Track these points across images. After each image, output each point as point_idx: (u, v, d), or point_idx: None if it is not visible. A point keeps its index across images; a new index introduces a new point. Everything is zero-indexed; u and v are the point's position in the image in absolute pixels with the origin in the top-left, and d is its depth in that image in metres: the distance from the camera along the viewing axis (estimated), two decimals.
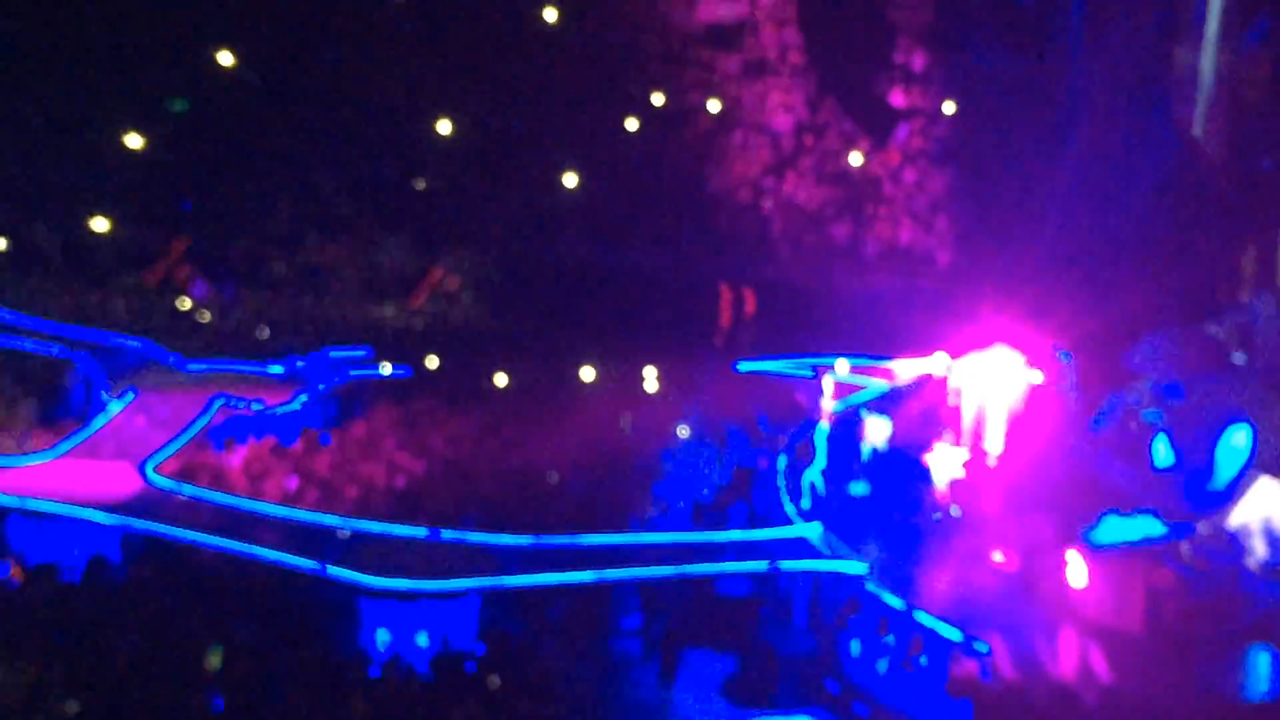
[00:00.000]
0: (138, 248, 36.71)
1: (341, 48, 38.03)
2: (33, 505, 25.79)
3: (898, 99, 39.09)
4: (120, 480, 27.30)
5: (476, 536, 25.51)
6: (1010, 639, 23.05)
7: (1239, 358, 26.61)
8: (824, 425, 29.26)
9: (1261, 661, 22.63)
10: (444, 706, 22.13)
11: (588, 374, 34.44)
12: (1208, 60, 34.04)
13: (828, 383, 30.95)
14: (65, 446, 28.34)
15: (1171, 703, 21.68)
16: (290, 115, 37.63)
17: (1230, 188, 34.00)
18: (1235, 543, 24.19)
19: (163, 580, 24.59)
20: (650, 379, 34.32)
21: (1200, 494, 25.28)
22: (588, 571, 24.94)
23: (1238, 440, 24.81)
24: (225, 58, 37.31)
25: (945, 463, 27.42)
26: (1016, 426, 28.44)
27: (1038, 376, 28.83)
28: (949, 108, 38.47)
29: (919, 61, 38.59)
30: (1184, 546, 24.33)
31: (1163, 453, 26.72)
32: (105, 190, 36.73)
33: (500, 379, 33.95)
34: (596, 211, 38.71)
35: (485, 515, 27.16)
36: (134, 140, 36.83)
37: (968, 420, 28.41)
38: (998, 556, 25.23)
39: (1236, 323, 27.18)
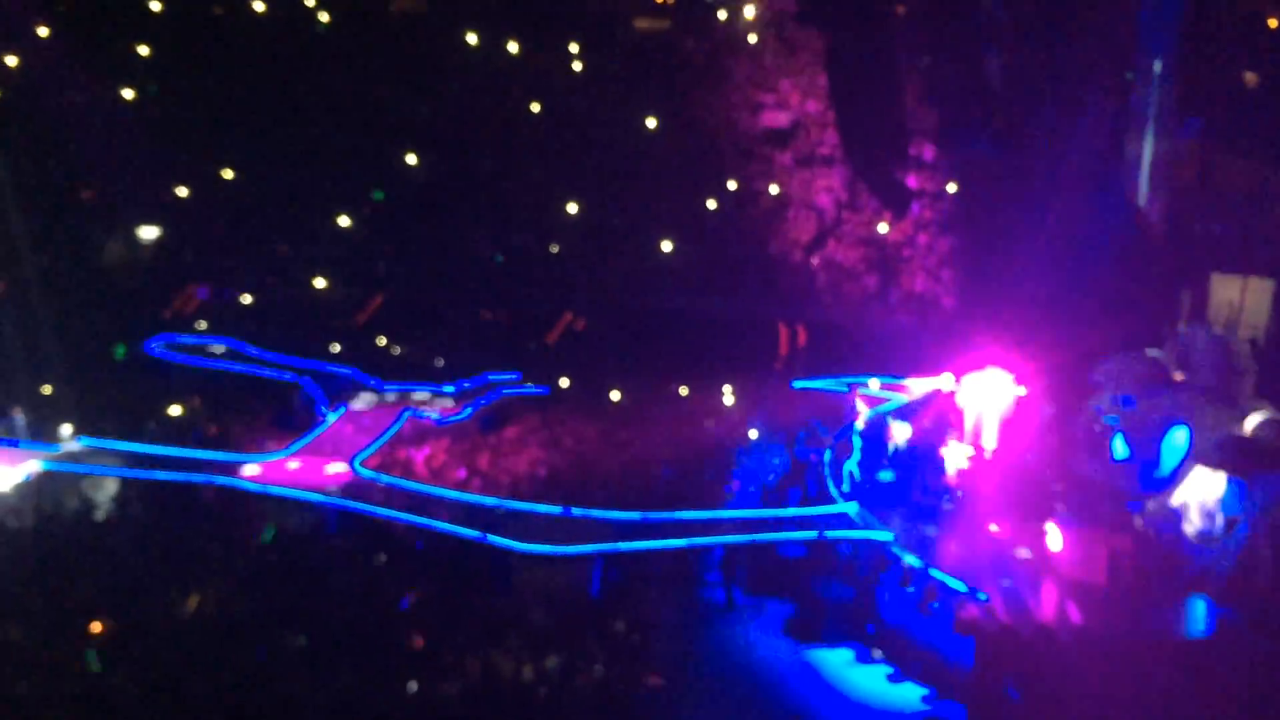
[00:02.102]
0: (348, 300, 37.06)
1: (495, 149, 38.26)
2: (272, 491, 26.17)
3: (913, 181, 38.69)
4: (336, 472, 27.62)
5: (599, 513, 25.54)
6: (1003, 590, 22.78)
7: (1178, 375, 26.08)
8: (859, 428, 29.03)
9: (1198, 608, 22.21)
10: (575, 641, 22.18)
11: (682, 391, 34.36)
12: (1149, 147, 33.60)
13: (861, 396, 30.73)
14: (295, 447, 28.70)
15: (1128, 639, 21.33)
16: (458, 201, 37.89)
17: (1168, 246, 33.48)
18: (1176, 516, 23.74)
19: (367, 546, 24.81)
20: (728, 395, 34.20)
21: (1149, 479, 24.83)
22: (682, 539, 24.88)
23: (1178, 439, 24.37)
24: (411, 159, 37.67)
25: (953, 457, 27.10)
26: (1007, 429, 28.04)
27: (1023, 390, 28.44)
28: (952, 187, 38.03)
29: (928, 153, 38.16)
30: (1138, 519, 23.92)
31: (1120, 448, 26.26)
32: (324, 258, 37.13)
33: (615, 395, 33.97)
34: (686, 270, 38.59)
35: (605, 497, 27.17)
36: (344, 220, 37.26)
37: (969, 424, 28.05)
38: (993, 527, 24.92)
39: (1175, 349, 26.65)
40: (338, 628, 21.33)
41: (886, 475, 27.40)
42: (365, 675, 20.27)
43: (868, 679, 22.94)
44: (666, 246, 38.12)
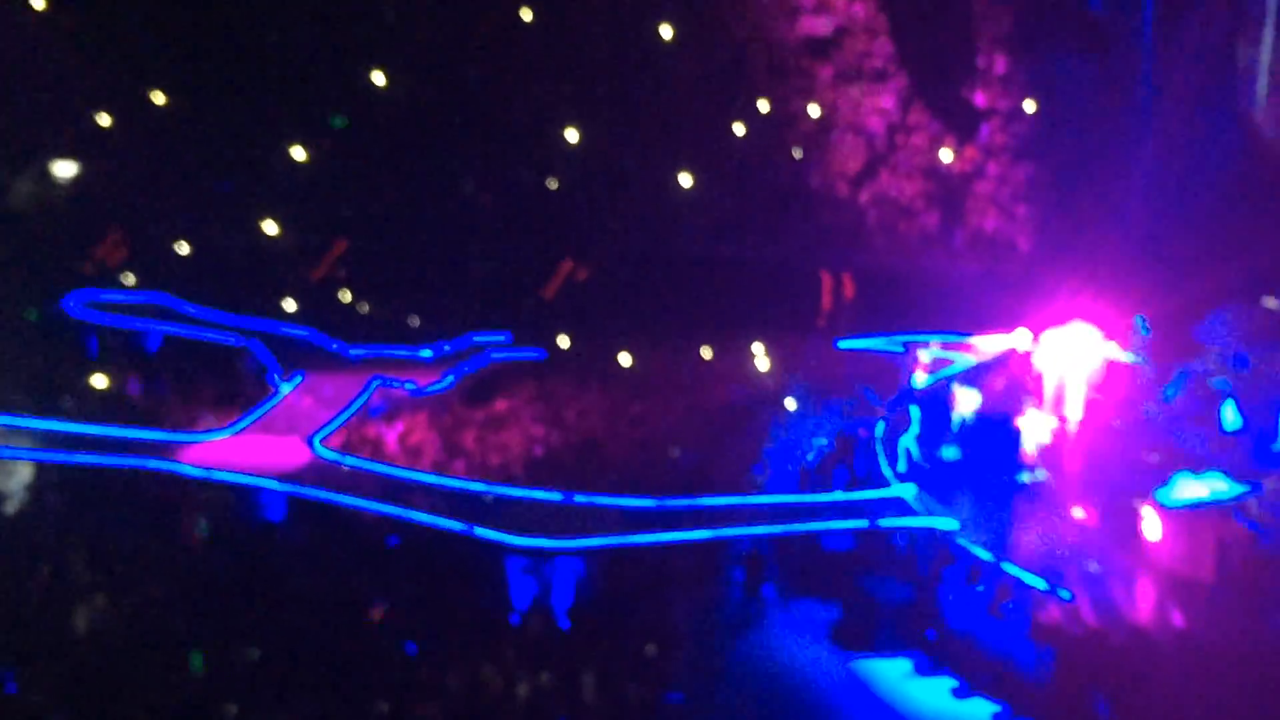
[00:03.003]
0: (304, 248, 37.04)
1: (480, 67, 38.13)
2: (215, 476, 26.25)
3: (981, 100, 38.47)
4: (291, 453, 27.67)
5: (606, 499, 25.54)
6: (1090, 588, 22.76)
7: None
8: (918, 396, 29.00)
9: None
10: (579, 651, 22.22)
11: (705, 353, 34.32)
12: (1267, 55, 33.30)
13: (920, 358, 30.69)
14: (243, 423, 28.74)
15: (1239, 646, 21.29)
16: (436, 128, 37.80)
17: None
18: None
19: (329, 542, 24.87)
20: (760, 357, 34.14)
21: (1265, 454, 24.76)
22: (705, 530, 24.90)
23: None
24: (379, 78, 37.55)
25: (1031, 429, 27.05)
26: (1095, 395, 28.01)
27: (1114, 349, 28.38)
28: (1029, 106, 37.81)
29: (1000, 65, 37.91)
30: (1251, 502, 23.83)
31: (1230, 417, 26.21)
32: (274, 197, 37.08)
33: (625, 359, 33.94)
34: (709, 208, 38.53)
35: (614, 480, 27.18)
36: (299, 152, 37.18)
37: (1049, 390, 28.01)
38: (1079, 513, 24.89)
39: None
40: (295, 640, 21.41)
41: (951, 452, 27.39)
42: (328, 696, 20.35)
43: (929, 694, 22.92)
44: (685, 181, 38.03)
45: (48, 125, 36.23)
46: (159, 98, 37.13)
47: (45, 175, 36.54)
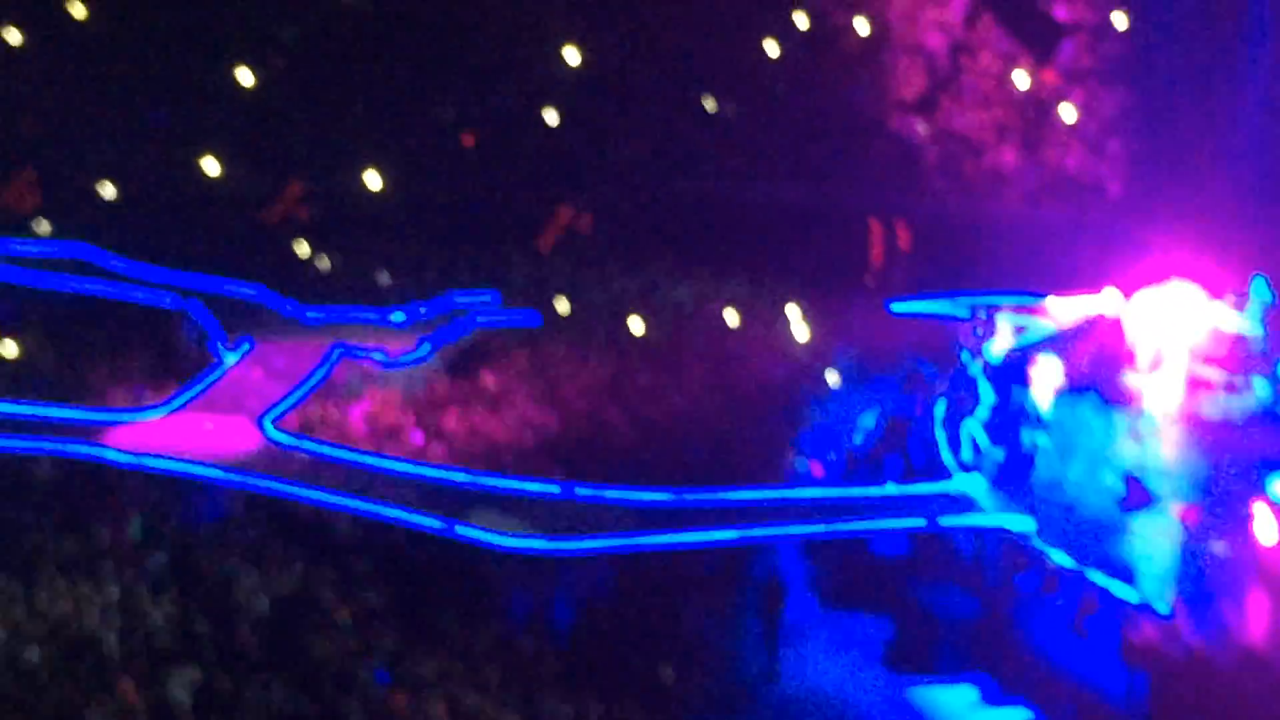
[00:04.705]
0: (251, 189, 37.03)
1: None
2: (149, 463, 26.28)
3: (1061, 12, 38.45)
4: (238, 436, 27.70)
5: (612, 493, 25.57)
6: (1192, 601, 22.73)
7: None
8: (985, 370, 28.97)
9: None
10: (579, 675, 22.24)
11: (730, 317, 34.30)
12: None
13: (989, 323, 30.66)
14: (180, 401, 28.77)
15: None
16: (405, 44, 37.81)
17: None
18: None
19: (283, 542, 24.89)
20: (795, 321, 34.11)
21: None
22: (731, 530, 24.92)
23: None
24: None
25: (1121, 409, 27.04)
26: (1198, 369, 27.98)
27: (1221, 313, 28.31)
28: (1119, 20, 37.70)
29: None
30: None
31: None
32: (215, 129, 37.03)
33: (635, 324, 33.92)
34: (735, 142, 38.58)
35: (621, 470, 27.19)
36: (245, 76, 37.09)
37: (1145, 362, 27.98)
38: (1179, 510, 24.85)
39: None
40: (244, 658, 21.44)
41: (1026, 438, 27.35)
42: None
43: None
44: (708, 107, 38.01)
45: None
46: (78, 9, 37.11)
47: None
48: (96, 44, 36.92)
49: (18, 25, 36.81)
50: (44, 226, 35.20)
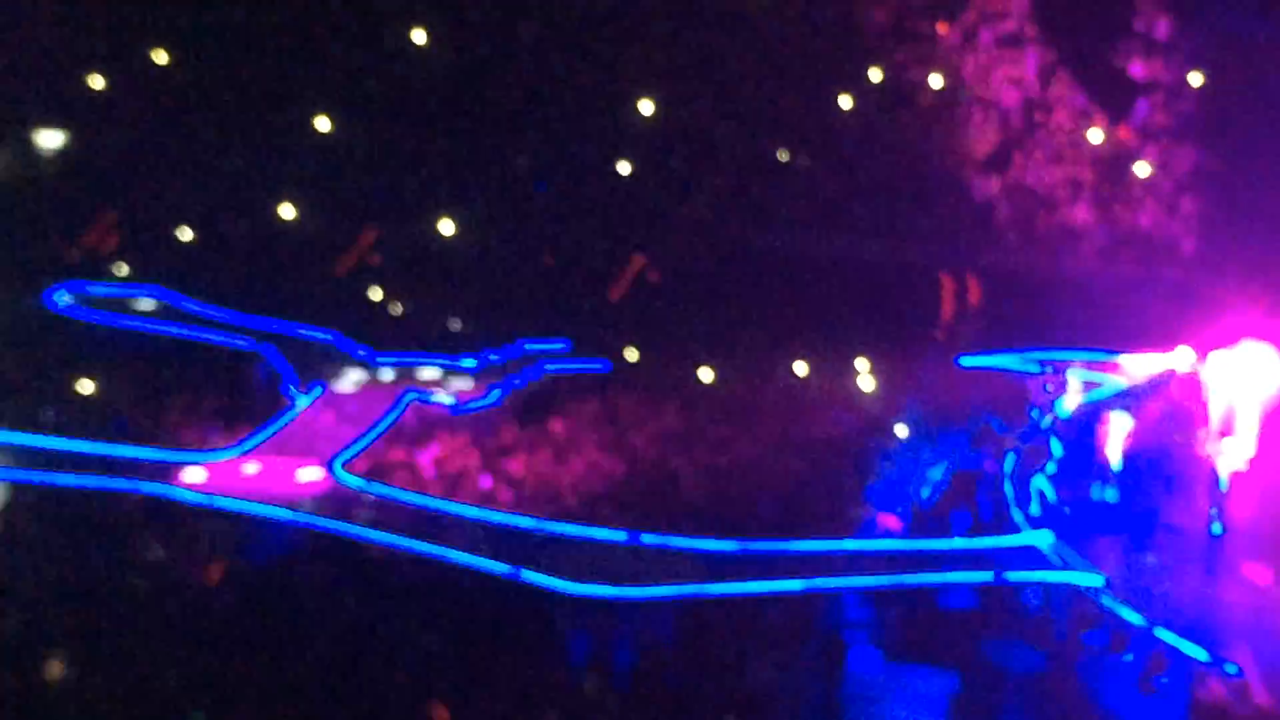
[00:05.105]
0: (327, 236, 37.25)
1: (538, 25, 38.31)
2: (219, 503, 26.43)
3: (1138, 70, 38.31)
4: (309, 479, 27.83)
5: (679, 541, 25.51)
6: (1264, 659, 22.50)
7: None
8: (1056, 425, 28.81)
9: None
10: (641, 718, 22.18)
11: (799, 369, 34.26)
12: None
13: (1060, 379, 30.51)
14: (252, 443, 28.93)
15: None
16: (483, 97, 38.01)
17: None
18: None
19: (351, 582, 24.95)
20: (866, 374, 34.04)
21: None
22: (797, 580, 24.84)
23: None
24: (419, 36, 37.77)
25: (1194, 467, 26.83)
26: (1272, 428, 27.73)
27: None
28: (1195, 79, 37.55)
29: (1162, 28, 37.78)
30: None
31: None
32: (293, 176, 37.32)
33: (705, 374, 33.94)
34: (808, 196, 38.52)
35: (688, 519, 27.16)
36: (323, 123, 37.40)
37: (1216, 421, 27.75)
38: (1252, 569, 24.64)
39: None
40: (311, 695, 21.51)
41: (1096, 493, 27.19)
42: None
43: None
44: (782, 160, 38.04)
45: (30, 88, 36.68)
46: (160, 56, 37.57)
47: (27, 147, 37.01)
48: (177, 90, 37.30)
49: (100, 72, 37.27)
50: (122, 269, 35.54)
